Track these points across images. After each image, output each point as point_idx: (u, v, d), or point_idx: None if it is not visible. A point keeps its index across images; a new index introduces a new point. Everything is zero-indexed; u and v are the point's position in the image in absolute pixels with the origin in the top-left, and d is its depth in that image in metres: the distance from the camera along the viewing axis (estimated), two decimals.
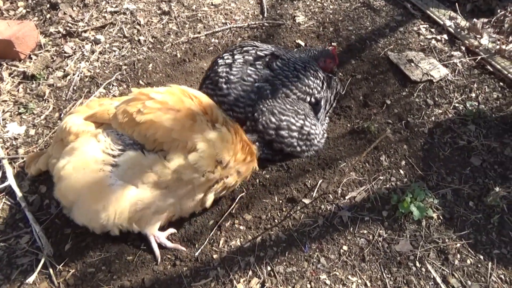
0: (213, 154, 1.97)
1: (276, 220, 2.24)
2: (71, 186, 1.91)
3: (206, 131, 1.97)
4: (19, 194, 2.32)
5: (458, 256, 2.11)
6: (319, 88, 2.57)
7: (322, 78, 2.61)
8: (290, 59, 2.55)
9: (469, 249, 2.14)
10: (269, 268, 2.06)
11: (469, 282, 2.02)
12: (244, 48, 2.51)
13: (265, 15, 3.56)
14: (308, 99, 2.55)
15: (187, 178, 1.95)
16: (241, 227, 2.22)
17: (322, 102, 2.61)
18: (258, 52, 2.50)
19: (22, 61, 3.15)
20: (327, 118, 2.75)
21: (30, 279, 2.00)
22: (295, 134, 2.41)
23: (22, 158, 2.52)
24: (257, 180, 2.40)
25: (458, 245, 2.15)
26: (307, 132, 2.45)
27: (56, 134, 2.16)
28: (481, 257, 2.11)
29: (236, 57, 2.46)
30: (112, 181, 1.90)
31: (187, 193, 2.02)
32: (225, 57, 2.48)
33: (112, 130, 2.00)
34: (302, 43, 3.29)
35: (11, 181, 2.38)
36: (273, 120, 2.35)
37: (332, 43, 3.09)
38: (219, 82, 2.37)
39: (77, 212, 1.98)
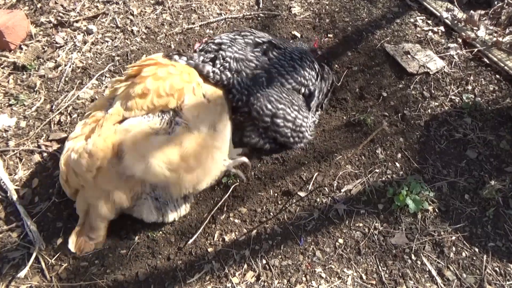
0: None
1: (271, 213, 2.22)
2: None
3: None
4: (10, 187, 2.28)
5: (454, 249, 2.11)
6: (313, 80, 2.56)
7: (317, 70, 2.59)
8: (287, 49, 2.52)
9: (465, 241, 2.14)
10: (264, 261, 2.04)
11: (464, 275, 2.02)
12: (243, 33, 2.48)
13: (261, 6, 3.50)
14: (303, 90, 2.53)
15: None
16: (236, 221, 2.20)
17: (316, 93, 2.58)
18: (256, 39, 2.46)
19: (12, 51, 3.08)
20: (318, 110, 2.72)
21: (22, 273, 1.97)
22: (290, 124, 2.40)
23: (13, 150, 2.47)
24: (253, 173, 2.38)
25: (454, 238, 2.15)
26: (299, 124, 2.44)
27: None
28: (476, 249, 2.11)
29: (237, 38, 2.42)
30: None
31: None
32: (224, 37, 2.42)
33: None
34: (298, 34, 3.25)
35: (2, 174, 2.34)
36: (270, 107, 2.33)
37: (317, 36, 3.02)
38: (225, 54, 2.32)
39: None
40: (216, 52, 2.30)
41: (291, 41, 3.11)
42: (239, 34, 2.46)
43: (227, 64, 2.27)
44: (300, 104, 2.49)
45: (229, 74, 2.26)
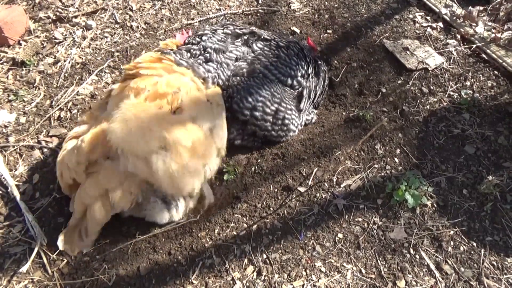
0: None
1: (271, 208, 2.23)
2: None
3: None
4: (11, 183, 2.28)
5: (452, 243, 2.13)
6: (303, 71, 2.47)
7: (308, 60, 2.51)
8: (274, 39, 2.47)
9: (463, 236, 2.16)
10: (264, 256, 2.06)
11: (462, 269, 2.04)
12: (224, 26, 2.49)
13: (260, 1, 3.50)
14: (290, 81, 2.44)
15: None
16: (236, 215, 2.21)
17: (306, 85, 2.50)
18: (237, 30, 2.44)
19: (11, 47, 3.07)
20: (314, 107, 2.67)
21: (24, 268, 1.98)
22: (270, 118, 2.34)
23: (13, 146, 2.48)
24: (253, 169, 2.39)
25: (452, 232, 2.17)
26: (282, 117, 2.37)
27: None
28: (474, 244, 2.13)
29: (217, 30, 2.43)
30: None
31: None
32: (206, 30, 2.43)
33: None
34: (297, 30, 3.25)
35: (2, 169, 2.34)
36: (250, 99, 2.27)
37: (310, 37, 2.98)
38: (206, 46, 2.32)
39: None
40: (198, 44, 2.29)
41: (291, 37, 3.11)
42: (221, 26, 2.46)
43: (208, 55, 2.25)
44: (284, 95, 2.40)
45: (211, 69, 2.24)
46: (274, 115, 2.35)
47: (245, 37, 2.44)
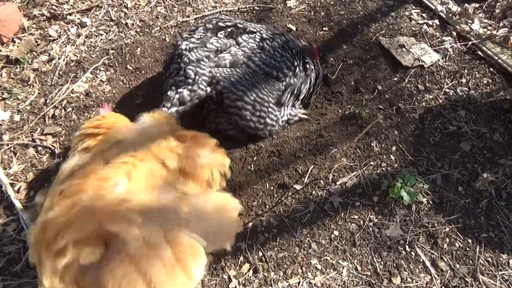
0: None
1: (267, 206, 2.23)
2: None
3: None
4: (5, 181, 2.27)
5: (447, 240, 2.14)
6: (288, 63, 2.43)
7: (294, 52, 2.48)
8: (259, 31, 2.46)
9: (458, 233, 2.17)
10: (260, 254, 2.06)
11: (458, 265, 2.05)
12: (208, 20, 2.50)
13: None
14: (275, 73, 2.39)
15: None
16: None
17: (290, 80, 2.45)
18: (220, 23, 2.44)
19: (5, 44, 3.04)
20: (299, 104, 2.62)
21: (18, 267, 1.97)
22: (249, 107, 2.31)
23: (7, 145, 2.46)
24: (249, 167, 2.39)
25: (447, 229, 2.17)
26: (259, 109, 2.34)
27: None
28: (470, 240, 2.14)
29: (199, 27, 2.44)
30: None
31: None
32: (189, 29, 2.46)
33: None
34: (293, 28, 3.24)
35: None
36: (233, 89, 2.27)
37: (316, 44, 2.96)
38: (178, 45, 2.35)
39: None
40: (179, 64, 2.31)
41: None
42: (206, 21, 2.47)
43: (186, 60, 2.28)
44: (265, 88, 2.37)
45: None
46: (253, 105, 2.32)
47: (229, 30, 2.42)
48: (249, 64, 2.34)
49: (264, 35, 2.45)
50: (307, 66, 2.56)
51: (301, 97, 2.58)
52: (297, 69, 2.48)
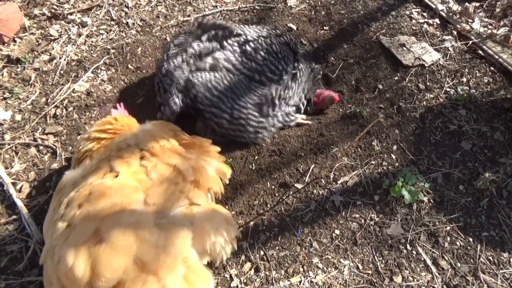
0: None
1: (268, 205, 2.24)
2: None
3: None
4: (7, 181, 2.27)
5: (448, 238, 2.14)
6: (272, 67, 2.33)
7: (280, 56, 2.38)
8: (247, 35, 2.39)
9: (459, 231, 2.17)
10: (262, 253, 2.06)
11: (459, 264, 2.05)
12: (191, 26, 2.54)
13: None
14: (257, 77, 2.31)
15: None
16: (233, 212, 2.21)
17: (278, 85, 2.36)
18: (205, 26, 2.42)
19: (6, 44, 3.04)
20: (293, 110, 2.53)
21: (20, 266, 1.98)
22: (226, 115, 2.23)
23: (9, 144, 2.46)
24: (250, 166, 2.39)
25: (448, 228, 2.18)
26: (237, 116, 2.25)
27: None
28: (471, 239, 2.14)
29: (180, 36, 2.46)
30: None
31: None
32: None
33: None
34: (294, 27, 3.24)
35: None
36: (208, 95, 2.21)
37: (337, 94, 2.72)
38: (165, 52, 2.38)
39: None
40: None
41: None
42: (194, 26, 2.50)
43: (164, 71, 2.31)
44: (244, 92, 2.27)
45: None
46: (230, 113, 2.24)
47: (213, 33, 2.36)
48: (229, 68, 2.27)
49: (249, 37, 2.37)
50: (298, 72, 2.49)
51: (291, 102, 2.49)
52: (283, 74, 2.38)
